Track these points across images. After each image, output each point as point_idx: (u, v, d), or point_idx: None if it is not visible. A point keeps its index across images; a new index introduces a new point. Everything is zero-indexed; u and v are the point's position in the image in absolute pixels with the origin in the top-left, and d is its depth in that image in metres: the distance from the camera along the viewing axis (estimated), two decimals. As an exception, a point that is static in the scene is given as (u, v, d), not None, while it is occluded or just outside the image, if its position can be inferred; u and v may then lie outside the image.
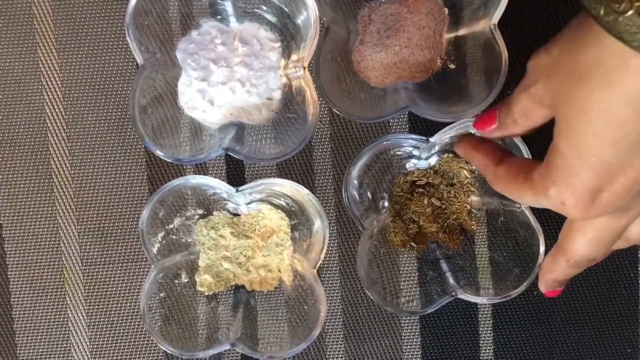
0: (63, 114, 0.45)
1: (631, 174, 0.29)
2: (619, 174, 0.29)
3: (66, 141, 0.46)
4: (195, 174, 0.45)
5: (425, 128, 0.45)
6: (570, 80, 0.28)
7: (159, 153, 0.40)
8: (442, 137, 0.40)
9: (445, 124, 0.40)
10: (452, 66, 0.43)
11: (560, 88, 0.29)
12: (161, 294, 0.43)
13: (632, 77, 0.26)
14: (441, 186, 0.44)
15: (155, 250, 0.42)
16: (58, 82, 0.45)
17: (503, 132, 0.35)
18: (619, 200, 0.30)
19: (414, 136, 0.41)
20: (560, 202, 0.30)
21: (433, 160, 0.44)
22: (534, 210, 0.40)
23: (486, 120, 0.36)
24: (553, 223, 0.44)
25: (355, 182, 0.42)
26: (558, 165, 0.30)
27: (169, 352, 0.41)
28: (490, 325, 0.46)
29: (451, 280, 0.42)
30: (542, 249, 0.40)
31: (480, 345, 0.46)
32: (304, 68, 0.40)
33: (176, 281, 0.44)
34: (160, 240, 0.43)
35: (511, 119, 0.33)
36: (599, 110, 0.27)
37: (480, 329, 0.46)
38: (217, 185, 0.42)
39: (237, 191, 0.41)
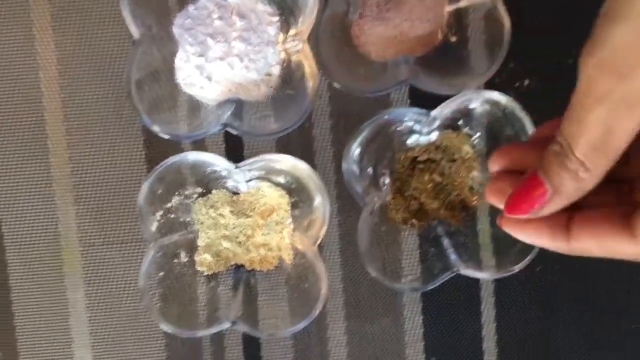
0: (59, 92, 0.45)
1: None
2: None
3: (63, 120, 0.45)
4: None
5: (426, 102, 0.44)
6: None
7: (155, 129, 0.39)
8: (443, 111, 0.40)
9: (446, 97, 0.39)
10: (453, 39, 0.42)
11: None
12: (160, 274, 0.42)
13: None
14: (442, 162, 0.44)
15: (153, 228, 0.42)
16: (54, 60, 0.45)
17: (567, 198, 0.24)
18: None
19: (415, 109, 0.40)
20: None
21: (434, 136, 0.43)
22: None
23: (526, 193, 0.25)
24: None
25: (356, 157, 0.41)
26: None
27: (169, 331, 0.41)
28: (492, 302, 0.46)
29: (453, 257, 0.42)
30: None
31: (482, 322, 0.46)
32: (303, 42, 0.39)
33: (175, 261, 0.43)
34: (158, 219, 0.42)
35: (574, 166, 0.24)
36: None
37: (482, 306, 0.46)
38: (216, 161, 0.41)
39: (236, 167, 0.41)
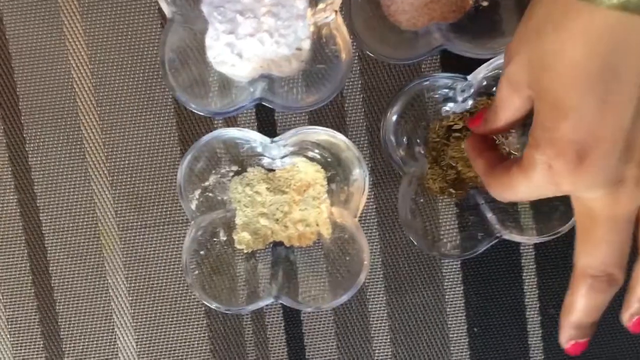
0: (90, 77, 0.45)
1: (609, 121, 0.28)
2: (597, 124, 0.28)
3: (95, 106, 0.45)
4: (227, 131, 0.45)
5: (458, 71, 0.44)
6: (531, 41, 0.30)
7: (192, 106, 0.39)
8: (479, 75, 0.39)
9: (480, 63, 0.39)
10: (484, 3, 0.42)
11: (529, 55, 0.30)
12: (201, 252, 0.42)
13: (577, 19, 0.28)
14: (478, 129, 0.43)
15: (193, 207, 0.42)
16: (83, 45, 0.45)
17: (486, 127, 0.36)
18: (608, 155, 0.29)
19: (451, 74, 0.40)
20: (547, 165, 0.30)
21: (469, 104, 0.43)
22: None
23: (477, 117, 0.37)
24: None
25: (393, 126, 0.41)
26: (538, 128, 0.30)
27: (213, 307, 0.41)
28: (534, 269, 0.46)
29: (495, 223, 0.42)
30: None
31: (524, 290, 0.46)
32: (335, 12, 0.39)
33: (214, 239, 0.44)
34: (197, 197, 0.42)
35: (492, 111, 0.34)
36: (554, 55, 0.29)
37: (524, 274, 0.46)
38: (252, 136, 0.41)
39: (271, 142, 0.41)
